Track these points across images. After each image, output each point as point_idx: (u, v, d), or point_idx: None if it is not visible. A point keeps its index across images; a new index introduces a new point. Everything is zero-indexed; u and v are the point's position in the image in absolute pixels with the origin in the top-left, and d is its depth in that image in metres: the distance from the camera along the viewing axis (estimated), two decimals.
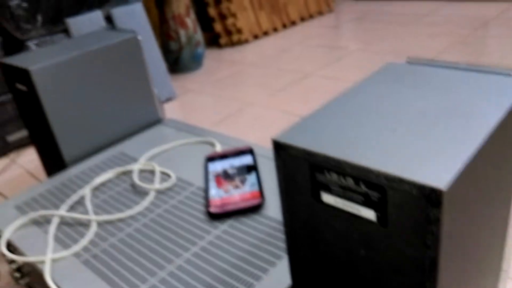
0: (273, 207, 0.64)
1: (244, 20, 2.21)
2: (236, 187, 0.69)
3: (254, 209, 0.64)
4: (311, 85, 1.58)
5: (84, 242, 0.62)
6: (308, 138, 0.36)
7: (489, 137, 0.33)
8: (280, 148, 0.37)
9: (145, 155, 0.83)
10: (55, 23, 1.38)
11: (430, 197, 0.28)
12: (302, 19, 2.47)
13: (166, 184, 0.72)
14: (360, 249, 0.35)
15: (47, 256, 0.60)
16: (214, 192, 0.68)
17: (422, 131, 0.35)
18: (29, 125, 0.92)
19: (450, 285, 0.33)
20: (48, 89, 0.80)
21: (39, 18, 1.34)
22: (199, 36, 1.89)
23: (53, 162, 0.89)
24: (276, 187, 0.68)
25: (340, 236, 0.36)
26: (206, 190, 0.69)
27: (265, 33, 2.32)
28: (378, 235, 0.33)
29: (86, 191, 0.74)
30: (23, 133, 1.43)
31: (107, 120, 0.90)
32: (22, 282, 0.70)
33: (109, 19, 1.47)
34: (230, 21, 2.18)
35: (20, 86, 0.84)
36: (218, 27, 2.20)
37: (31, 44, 1.35)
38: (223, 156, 0.77)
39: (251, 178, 0.70)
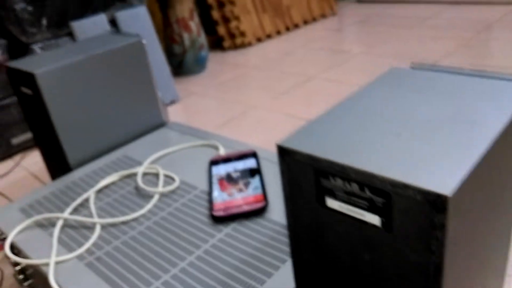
0: (277, 211, 0.64)
1: (248, 23, 2.21)
2: (240, 190, 0.69)
3: (257, 213, 0.64)
4: (314, 88, 1.59)
5: (88, 244, 0.63)
6: (312, 143, 0.36)
7: (494, 142, 0.33)
8: (284, 153, 0.37)
9: (149, 158, 0.84)
10: (60, 27, 1.39)
11: (435, 203, 0.28)
12: (305, 22, 2.48)
13: (170, 187, 0.73)
14: (364, 253, 0.35)
15: (51, 259, 0.60)
16: (218, 195, 0.68)
17: (427, 136, 0.35)
18: (34, 128, 0.92)
19: None
20: (53, 93, 0.80)
21: (44, 21, 1.35)
22: (202, 39, 1.89)
23: (58, 165, 0.90)
24: (280, 191, 0.68)
25: (345, 240, 0.36)
26: (209, 194, 0.69)
27: (269, 36, 2.33)
28: (382, 240, 0.33)
29: (90, 194, 0.74)
30: (27, 136, 1.43)
31: (112, 124, 0.90)
32: (26, 284, 0.70)
33: (113, 22, 1.48)
34: (233, 24, 2.19)
35: (25, 90, 0.85)
36: (221, 30, 2.21)
37: (36, 47, 1.35)
38: (227, 160, 0.78)
39: (255, 181, 0.70)
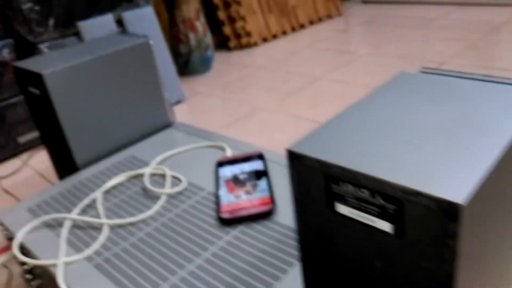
0: (284, 214, 0.64)
1: (253, 23, 2.21)
2: (247, 192, 0.69)
3: (265, 215, 0.64)
4: (320, 89, 1.58)
5: (96, 246, 0.63)
6: (322, 148, 0.36)
7: (507, 149, 0.33)
8: (294, 158, 0.37)
9: (156, 159, 0.84)
10: (67, 26, 1.40)
11: (448, 211, 0.28)
12: (311, 23, 2.47)
13: (177, 189, 0.73)
14: (375, 260, 0.35)
15: (60, 260, 0.61)
16: (225, 197, 0.68)
17: (439, 142, 0.34)
18: (41, 128, 0.92)
19: None
20: (60, 93, 0.81)
21: (51, 21, 1.36)
22: (208, 39, 1.89)
23: (65, 165, 0.90)
24: (287, 193, 0.68)
25: (355, 247, 0.36)
26: (216, 195, 0.69)
27: (274, 36, 2.33)
28: (394, 247, 0.33)
29: (98, 194, 0.75)
30: (34, 134, 1.44)
31: (118, 124, 0.90)
32: (34, 283, 0.71)
33: (120, 22, 1.48)
34: (239, 24, 2.19)
35: (32, 90, 0.85)
36: (227, 30, 2.21)
37: (43, 47, 1.36)
38: (234, 161, 0.78)
39: (262, 183, 0.70)
